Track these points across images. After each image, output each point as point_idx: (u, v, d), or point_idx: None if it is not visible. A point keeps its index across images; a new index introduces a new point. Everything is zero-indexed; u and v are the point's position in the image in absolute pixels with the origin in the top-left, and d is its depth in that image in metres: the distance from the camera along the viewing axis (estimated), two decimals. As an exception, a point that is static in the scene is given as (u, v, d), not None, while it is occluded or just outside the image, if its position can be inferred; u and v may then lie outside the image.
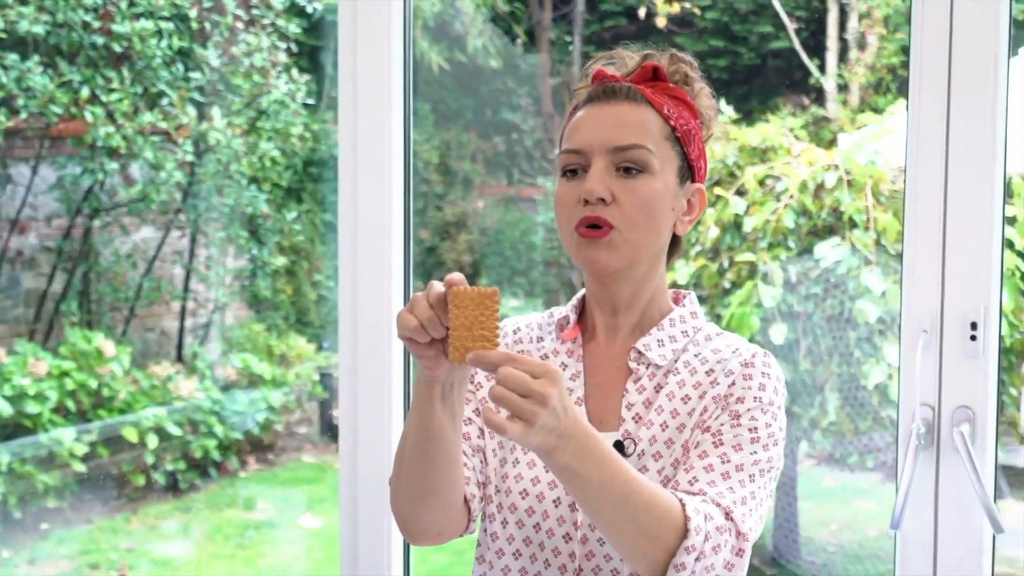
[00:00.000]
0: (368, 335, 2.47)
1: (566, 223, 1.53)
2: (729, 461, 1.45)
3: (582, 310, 1.63)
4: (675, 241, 1.62)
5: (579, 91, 1.60)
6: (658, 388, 1.54)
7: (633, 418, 1.53)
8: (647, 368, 1.55)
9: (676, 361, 1.56)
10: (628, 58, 1.61)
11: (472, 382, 1.62)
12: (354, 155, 2.46)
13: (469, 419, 1.60)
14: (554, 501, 1.52)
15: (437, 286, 1.33)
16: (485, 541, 1.60)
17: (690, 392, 1.53)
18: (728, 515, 1.41)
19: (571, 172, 1.53)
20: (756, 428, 1.48)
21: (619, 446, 1.50)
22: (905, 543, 2.16)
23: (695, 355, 1.56)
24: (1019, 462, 4.42)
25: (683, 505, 1.37)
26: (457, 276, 1.31)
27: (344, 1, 2.45)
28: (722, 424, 1.48)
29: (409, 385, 2.51)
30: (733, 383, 1.51)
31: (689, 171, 1.56)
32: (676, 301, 1.64)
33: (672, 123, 1.53)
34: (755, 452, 1.47)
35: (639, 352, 1.56)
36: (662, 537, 1.35)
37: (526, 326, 1.65)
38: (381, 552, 2.51)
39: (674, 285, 3.52)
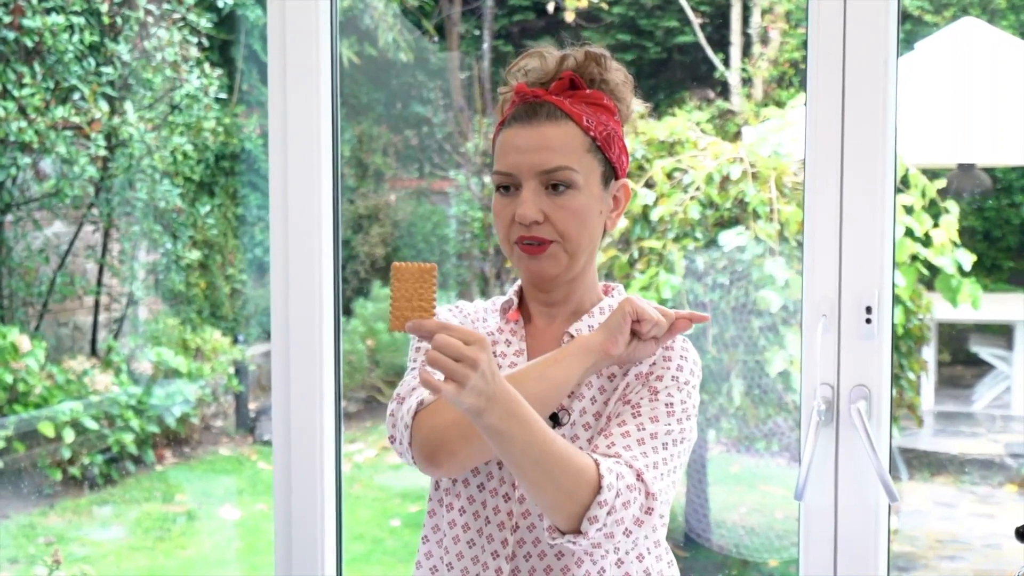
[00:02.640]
0: (299, 327, 2.54)
1: (504, 236, 1.68)
2: (644, 430, 1.60)
3: (521, 296, 1.77)
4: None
5: (504, 98, 1.72)
6: None
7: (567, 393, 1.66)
8: None
9: None
10: (549, 55, 1.71)
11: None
12: (284, 153, 2.52)
13: None
14: (498, 463, 1.66)
15: None
16: (436, 496, 1.73)
17: (615, 370, 1.68)
18: (639, 476, 1.55)
19: (504, 188, 1.67)
20: (672, 404, 1.63)
21: (555, 417, 1.65)
22: (808, 511, 2.31)
23: None
24: (919, 444, 4.61)
25: (597, 465, 1.51)
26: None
27: (273, 1, 2.52)
28: (641, 398, 1.64)
29: (340, 373, 2.59)
30: (654, 363, 1.67)
31: (612, 171, 1.70)
32: (606, 292, 1.79)
33: (592, 133, 1.66)
34: (669, 424, 1.62)
35: (571, 336, 1.70)
36: (577, 493, 1.49)
37: (473, 310, 1.79)
38: (315, 542, 2.56)
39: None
